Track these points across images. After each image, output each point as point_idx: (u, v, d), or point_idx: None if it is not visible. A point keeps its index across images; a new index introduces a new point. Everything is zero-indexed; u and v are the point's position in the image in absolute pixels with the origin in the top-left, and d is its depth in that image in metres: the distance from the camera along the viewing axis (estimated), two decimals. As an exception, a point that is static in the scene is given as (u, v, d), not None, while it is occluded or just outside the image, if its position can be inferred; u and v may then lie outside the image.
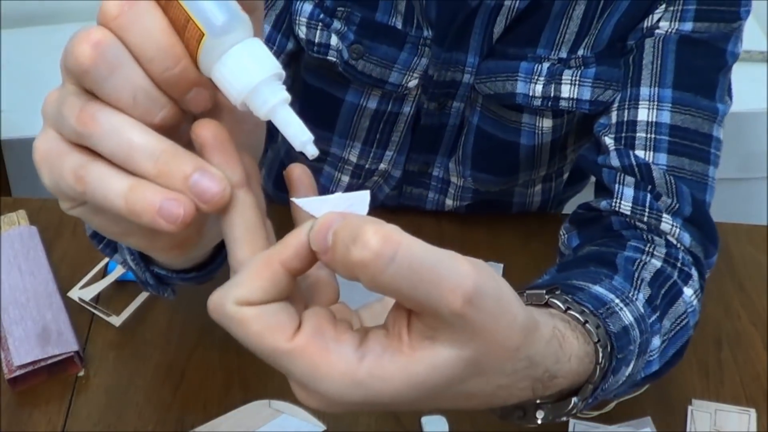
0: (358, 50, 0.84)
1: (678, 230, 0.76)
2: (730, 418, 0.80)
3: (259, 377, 0.83)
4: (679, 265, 0.75)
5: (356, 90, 0.89)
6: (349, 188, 0.98)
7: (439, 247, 0.39)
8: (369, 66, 0.85)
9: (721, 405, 0.81)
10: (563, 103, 0.84)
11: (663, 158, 0.77)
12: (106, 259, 0.91)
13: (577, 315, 0.54)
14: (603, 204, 0.79)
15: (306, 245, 0.39)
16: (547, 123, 0.87)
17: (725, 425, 0.80)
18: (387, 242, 0.37)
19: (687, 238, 0.76)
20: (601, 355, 0.54)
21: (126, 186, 0.39)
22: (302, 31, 0.85)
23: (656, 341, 0.67)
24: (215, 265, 0.60)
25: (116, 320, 0.86)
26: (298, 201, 0.41)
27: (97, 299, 0.89)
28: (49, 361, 0.81)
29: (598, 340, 0.54)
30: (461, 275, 0.38)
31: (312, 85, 0.91)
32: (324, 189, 0.99)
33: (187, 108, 0.41)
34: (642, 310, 0.65)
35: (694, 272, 0.75)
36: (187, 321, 0.88)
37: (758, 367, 0.86)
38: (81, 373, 0.83)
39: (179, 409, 0.80)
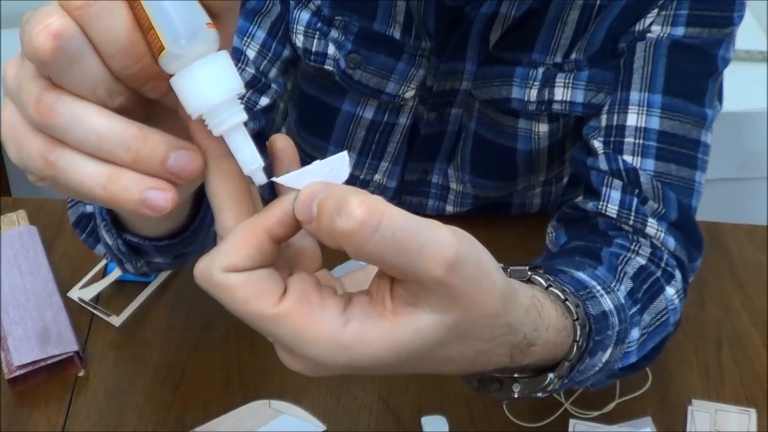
0: (355, 60, 0.84)
1: (663, 234, 0.77)
2: (730, 418, 0.80)
3: (259, 377, 0.83)
4: (662, 265, 0.75)
5: (353, 99, 0.89)
6: None
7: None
8: (366, 76, 0.85)
9: (721, 405, 0.81)
10: (557, 106, 0.84)
11: (650, 164, 0.78)
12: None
13: (558, 293, 0.55)
14: (590, 205, 0.79)
15: (290, 214, 0.40)
16: (543, 128, 0.87)
17: (725, 425, 0.80)
18: (371, 212, 0.37)
19: (671, 242, 0.77)
20: (578, 333, 0.55)
21: (103, 175, 0.38)
22: (299, 40, 0.85)
23: (635, 333, 0.68)
24: (188, 233, 0.60)
25: (116, 320, 0.86)
26: (279, 179, 0.41)
27: (97, 299, 0.89)
28: (49, 361, 0.81)
29: (577, 318, 0.55)
30: (442, 244, 0.39)
31: (309, 93, 0.90)
32: None
33: (144, 95, 0.40)
34: (622, 301, 0.66)
35: (678, 274, 0.76)
36: (187, 321, 0.88)
37: (758, 367, 0.86)
38: (81, 373, 0.83)
39: (179, 409, 0.80)
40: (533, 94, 0.84)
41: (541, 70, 0.83)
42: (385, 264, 0.39)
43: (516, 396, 0.55)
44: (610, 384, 0.75)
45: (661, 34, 0.79)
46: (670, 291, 0.74)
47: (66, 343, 0.82)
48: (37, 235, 0.93)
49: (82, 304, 0.88)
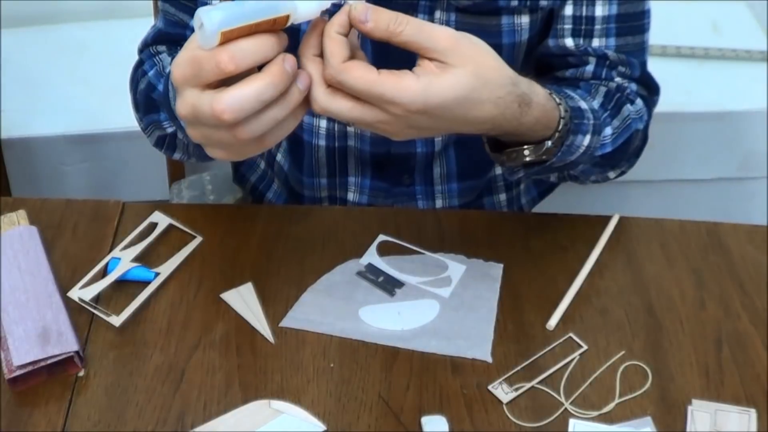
0: None
1: (627, 83, 0.98)
2: (730, 418, 0.80)
3: (259, 377, 0.83)
4: (626, 92, 0.96)
5: None
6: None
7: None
8: None
9: (721, 405, 0.81)
10: (544, 3, 0.95)
11: (613, 41, 0.97)
12: (106, 259, 0.91)
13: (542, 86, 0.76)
14: (569, 72, 0.99)
15: (347, 20, 0.66)
16: (525, 19, 0.97)
17: (725, 425, 0.80)
18: (396, 15, 0.66)
19: (635, 87, 0.99)
20: (562, 112, 0.79)
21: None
22: None
23: (608, 130, 0.90)
24: None
25: (116, 320, 0.86)
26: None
27: (97, 299, 0.89)
28: (49, 361, 0.81)
29: (560, 103, 0.79)
30: (442, 28, 0.68)
31: None
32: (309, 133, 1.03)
33: None
34: (596, 108, 0.89)
35: (639, 101, 0.97)
36: (187, 321, 0.88)
37: (758, 367, 0.86)
38: (81, 373, 0.83)
39: (179, 409, 0.80)
40: None
41: None
42: (419, 39, 0.66)
43: (526, 158, 0.80)
44: (598, 173, 0.98)
45: None
46: (632, 108, 0.95)
47: (66, 343, 0.82)
48: (37, 235, 0.93)
49: (82, 304, 0.88)
